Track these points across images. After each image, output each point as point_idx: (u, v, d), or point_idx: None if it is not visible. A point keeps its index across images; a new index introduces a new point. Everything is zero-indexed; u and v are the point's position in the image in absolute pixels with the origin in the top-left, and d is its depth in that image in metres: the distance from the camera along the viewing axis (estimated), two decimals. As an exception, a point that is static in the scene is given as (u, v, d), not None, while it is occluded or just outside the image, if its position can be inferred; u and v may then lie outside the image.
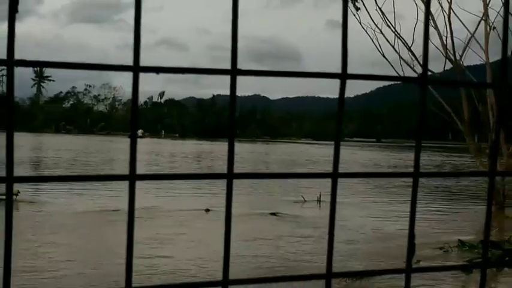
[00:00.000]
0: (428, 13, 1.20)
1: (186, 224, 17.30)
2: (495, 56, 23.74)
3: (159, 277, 11.14)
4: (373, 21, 23.06)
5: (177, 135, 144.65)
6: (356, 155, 60.94)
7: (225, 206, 1.11)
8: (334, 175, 1.15)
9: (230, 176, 1.12)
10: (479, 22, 22.63)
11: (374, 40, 22.96)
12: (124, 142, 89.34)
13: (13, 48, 0.94)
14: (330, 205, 1.17)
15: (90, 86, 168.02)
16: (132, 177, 1.02)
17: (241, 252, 13.05)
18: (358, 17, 23.19)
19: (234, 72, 1.08)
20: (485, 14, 22.50)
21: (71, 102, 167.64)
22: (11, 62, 0.95)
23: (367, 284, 11.21)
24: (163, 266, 12.15)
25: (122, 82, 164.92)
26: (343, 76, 1.17)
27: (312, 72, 1.17)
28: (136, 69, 1.04)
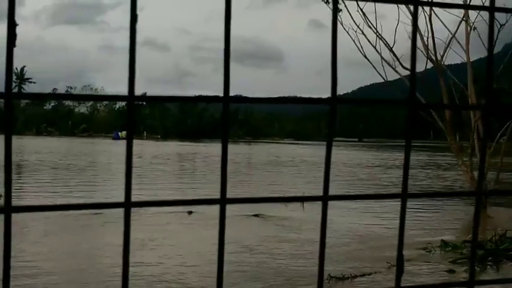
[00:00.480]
0: (415, 39, 1.23)
1: (170, 227, 17.25)
2: (476, 55, 23.93)
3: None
4: (354, 22, 23.15)
5: (159, 136, 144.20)
6: (341, 155, 61.04)
7: (218, 233, 1.13)
8: (325, 198, 1.17)
9: (223, 201, 1.14)
10: (460, 22, 22.79)
11: (356, 41, 23.05)
12: (106, 144, 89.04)
13: None
14: (320, 227, 1.19)
15: (71, 88, 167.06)
16: (128, 205, 1.04)
17: (227, 257, 13.01)
18: (339, 18, 23.25)
19: (227, 99, 1.10)
20: (466, 14, 22.66)
21: (52, 104, 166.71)
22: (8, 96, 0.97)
23: (350, 285, 11.29)
24: (150, 273, 12.09)
25: (104, 84, 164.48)
26: (333, 101, 1.20)
27: (304, 98, 1.20)
28: (131, 98, 1.06)
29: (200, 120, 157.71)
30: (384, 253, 13.50)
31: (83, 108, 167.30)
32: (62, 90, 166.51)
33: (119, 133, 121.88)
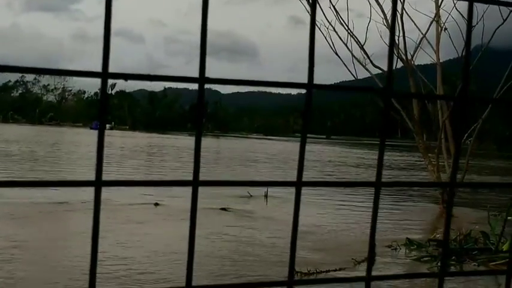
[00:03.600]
0: (393, 32, 1.22)
1: (138, 219, 17.13)
2: (445, 56, 24.14)
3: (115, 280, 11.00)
4: (326, 18, 23.19)
5: (127, 127, 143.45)
6: (313, 152, 61.19)
7: (190, 211, 1.10)
8: (298, 184, 1.15)
9: (196, 183, 1.11)
10: (431, 23, 22.95)
11: (327, 37, 23.10)
12: (74, 134, 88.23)
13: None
14: (293, 213, 1.18)
15: (39, 76, 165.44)
16: (98, 183, 1.02)
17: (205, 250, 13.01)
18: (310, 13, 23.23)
19: (203, 80, 1.08)
20: (437, 14, 22.83)
21: (20, 91, 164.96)
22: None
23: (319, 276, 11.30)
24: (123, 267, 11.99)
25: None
26: (310, 86, 1.18)
27: (279, 82, 1.18)
28: (105, 75, 1.03)
29: (169, 111, 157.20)
30: (349, 250, 13.57)
31: (51, 97, 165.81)
32: (30, 78, 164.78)
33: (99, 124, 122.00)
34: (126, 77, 1.08)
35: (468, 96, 1.25)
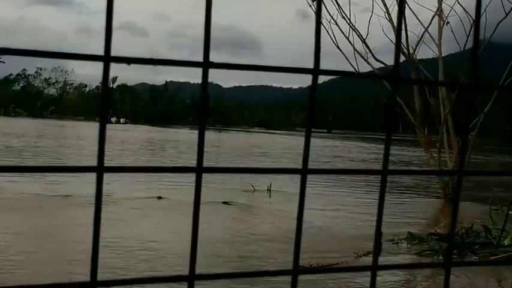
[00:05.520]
0: (401, 19, 1.20)
1: (143, 212, 17.14)
2: (447, 50, 24.09)
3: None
4: (328, 12, 23.19)
5: (128, 120, 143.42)
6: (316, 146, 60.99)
7: (193, 199, 1.08)
8: (304, 171, 1.13)
9: (199, 169, 1.09)
10: (433, 17, 22.93)
11: (329, 31, 23.08)
12: (76, 127, 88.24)
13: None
14: (298, 201, 1.16)
15: (41, 69, 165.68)
16: (100, 169, 0.99)
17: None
18: (313, 8, 23.25)
19: (207, 65, 1.06)
20: (439, 9, 22.81)
21: (21, 84, 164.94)
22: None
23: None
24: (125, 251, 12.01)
25: (74, 66, 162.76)
26: (315, 71, 1.16)
27: (284, 67, 1.16)
28: (107, 59, 1.02)
29: (170, 105, 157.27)
30: (349, 244, 13.57)
31: (52, 90, 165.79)
32: (31, 71, 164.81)
33: (112, 118, 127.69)
34: (128, 60, 1.06)
35: (477, 84, 1.24)
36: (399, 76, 1.20)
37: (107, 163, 0.96)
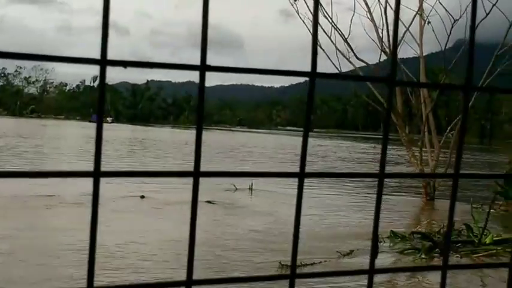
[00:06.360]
0: (397, 21, 1.19)
1: (129, 211, 17.09)
2: (428, 49, 24.22)
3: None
4: (310, 11, 23.19)
5: (107, 119, 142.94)
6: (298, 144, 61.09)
7: (190, 204, 1.07)
8: (301, 175, 1.13)
9: (197, 174, 1.09)
10: (415, 16, 23.03)
11: (311, 30, 23.10)
12: (58, 126, 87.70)
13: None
14: (296, 204, 1.15)
15: (20, 68, 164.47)
16: (97, 175, 0.98)
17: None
18: (295, 7, 23.34)
19: (204, 68, 1.05)
20: (421, 8, 22.92)
21: (1, 83, 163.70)
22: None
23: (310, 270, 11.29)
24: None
25: (55, 64, 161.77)
26: (313, 74, 1.16)
27: (282, 70, 1.16)
28: (103, 62, 1.00)
29: (151, 104, 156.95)
30: (332, 244, 13.60)
31: (32, 89, 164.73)
32: (11, 69, 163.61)
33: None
34: (125, 64, 1.05)
35: (472, 85, 1.24)
36: (395, 78, 1.20)
37: (106, 164, 0.95)
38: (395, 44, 1.23)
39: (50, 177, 1.00)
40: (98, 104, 1.03)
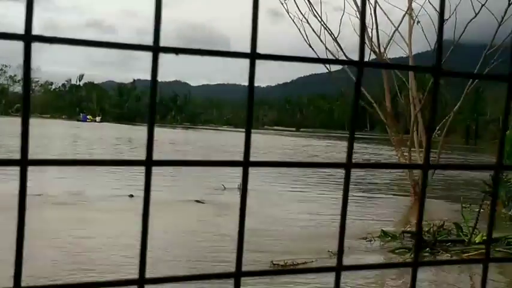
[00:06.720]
0: (442, 15, 1.18)
1: (113, 211, 17.01)
2: (417, 49, 24.30)
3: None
4: (299, 10, 23.21)
5: (96, 118, 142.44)
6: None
7: (240, 200, 1.05)
8: (246, 163, 1.09)
9: (246, 163, 1.07)
10: (404, 16, 23.07)
11: (301, 30, 23.11)
12: (45, 125, 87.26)
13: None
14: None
15: (6, 66, 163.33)
16: (24, 163, 0.96)
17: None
18: (285, 6, 23.32)
19: (254, 56, 1.04)
20: (410, 8, 22.96)
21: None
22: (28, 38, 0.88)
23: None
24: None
25: (41, 63, 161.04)
26: (360, 64, 1.15)
27: (329, 59, 1.13)
28: (156, 49, 0.99)
29: (138, 103, 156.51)
30: (324, 244, 13.60)
31: (17, 88, 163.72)
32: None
33: (87, 116, 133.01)
34: (177, 51, 1.03)
35: (441, 69, 1.22)
36: (441, 68, 1.18)
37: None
38: (441, 32, 1.21)
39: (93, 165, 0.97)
40: (151, 98, 1.01)
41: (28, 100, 0.91)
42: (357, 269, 1.29)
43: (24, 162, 0.91)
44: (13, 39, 0.90)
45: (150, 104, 1.02)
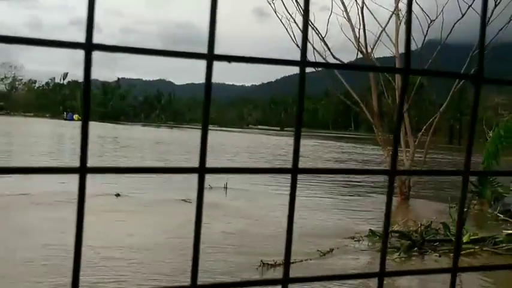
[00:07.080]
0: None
1: (100, 209, 16.94)
2: (404, 49, 24.34)
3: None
4: (287, 10, 23.26)
5: (80, 117, 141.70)
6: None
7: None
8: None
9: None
10: (391, 16, 23.17)
11: (288, 29, 23.17)
12: (28, 124, 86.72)
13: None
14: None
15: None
16: (83, 170, 0.91)
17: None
18: (273, 6, 23.35)
19: (304, 64, 1.05)
20: (397, 8, 23.07)
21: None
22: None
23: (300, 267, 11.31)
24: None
25: (25, 62, 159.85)
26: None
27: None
28: (210, 57, 0.99)
29: (122, 102, 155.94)
30: (311, 244, 13.62)
31: (0, 86, 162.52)
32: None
33: (74, 115, 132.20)
34: (229, 59, 1.04)
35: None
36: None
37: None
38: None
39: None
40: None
41: (88, 107, 0.90)
42: (399, 275, 1.29)
43: (83, 170, 0.90)
44: (73, 47, 0.89)
45: (203, 110, 1.03)
